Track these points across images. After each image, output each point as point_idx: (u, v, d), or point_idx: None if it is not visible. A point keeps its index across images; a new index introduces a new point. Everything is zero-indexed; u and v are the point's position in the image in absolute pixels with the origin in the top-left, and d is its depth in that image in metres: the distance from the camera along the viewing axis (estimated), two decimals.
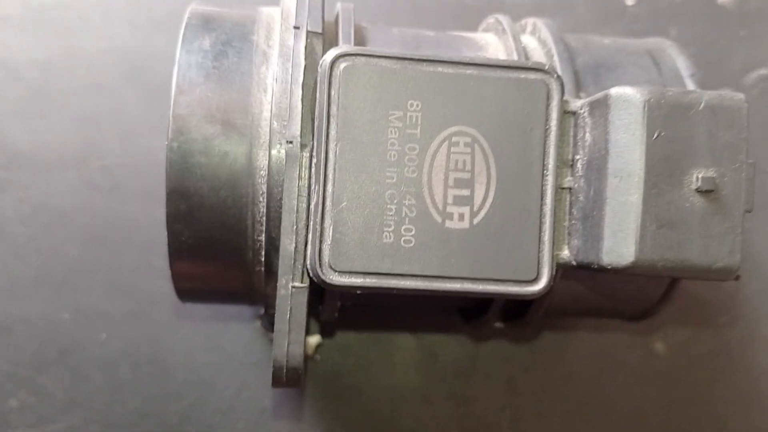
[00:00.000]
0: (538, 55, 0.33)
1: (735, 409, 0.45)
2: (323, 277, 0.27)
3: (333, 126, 0.27)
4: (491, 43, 0.34)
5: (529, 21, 0.35)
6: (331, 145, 0.27)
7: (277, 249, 0.29)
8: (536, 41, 0.33)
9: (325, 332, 0.42)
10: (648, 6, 0.48)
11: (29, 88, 0.44)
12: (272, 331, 0.41)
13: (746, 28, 0.48)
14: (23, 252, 0.43)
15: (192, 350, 0.43)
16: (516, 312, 0.35)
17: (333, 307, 0.31)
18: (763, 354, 0.46)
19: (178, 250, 0.30)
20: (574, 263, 0.28)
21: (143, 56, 0.44)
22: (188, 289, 0.32)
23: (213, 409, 0.43)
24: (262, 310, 0.41)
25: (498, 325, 0.37)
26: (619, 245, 0.25)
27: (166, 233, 0.29)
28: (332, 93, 0.27)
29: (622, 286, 0.33)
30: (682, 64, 0.33)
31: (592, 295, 0.33)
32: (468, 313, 0.37)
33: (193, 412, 0.43)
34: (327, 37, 0.30)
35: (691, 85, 0.32)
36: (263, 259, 0.30)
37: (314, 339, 0.42)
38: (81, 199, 0.43)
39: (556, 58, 0.31)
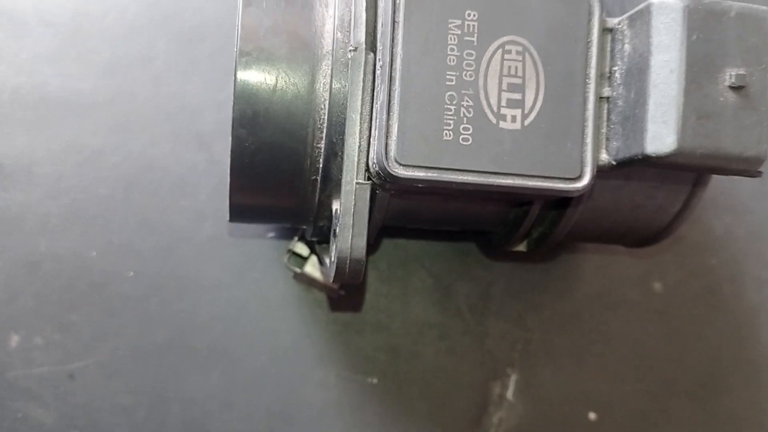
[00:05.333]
0: None
1: (726, 341, 0.48)
2: (389, 169, 0.29)
3: (398, 31, 0.29)
4: None
5: None
6: (397, 49, 0.29)
7: (336, 154, 0.31)
8: None
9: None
10: None
11: (60, 34, 0.45)
12: (299, 266, 0.43)
13: None
14: (53, 190, 0.44)
15: (218, 286, 0.44)
16: (542, 233, 0.38)
17: (379, 220, 0.33)
18: (750, 291, 0.49)
19: (241, 155, 0.31)
20: (613, 163, 0.30)
21: (172, 3, 0.46)
22: (242, 204, 0.34)
23: (238, 342, 0.44)
24: (291, 245, 0.43)
25: (521, 248, 0.39)
26: (663, 134, 0.28)
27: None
28: (397, 1, 0.29)
29: (645, 202, 0.35)
30: None
31: (615, 212, 0.36)
32: (493, 237, 0.40)
33: (219, 344, 0.44)
34: None
35: None
36: (320, 166, 0.32)
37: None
38: (111, 140, 0.45)
39: None
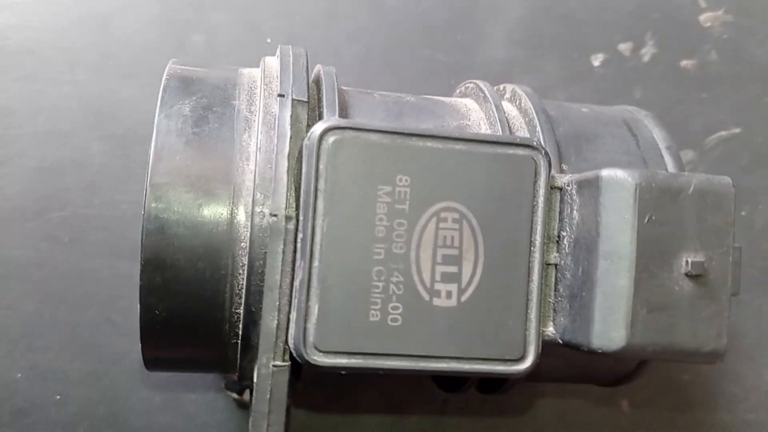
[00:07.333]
0: (518, 124, 0.33)
1: None
2: (307, 357, 0.26)
3: (321, 200, 0.26)
4: (472, 110, 0.33)
5: (508, 87, 0.35)
6: (318, 221, 0.26)
7: (255, 323, 0.28)
8: (516, 109, 0.33)
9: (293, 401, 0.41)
10: (614, 67, 0.49)
11: None
12: (238, 392, 0.40)
13: (707, 91, 0.49)
14: None
15: (152, 411, 0.41)
16: (492, 381, 0.35)
17: (308, 381, 0.30)
18: (723, 410, 0.46)
19: (151, 323, 0.28)
20: (560, 341, 0.27)
21: (108, 104, 0.43)
22: (157, 360, 0.31)
23: None
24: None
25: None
26: (610, 329, 0.25)
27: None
28: (320, 167, 0.26)
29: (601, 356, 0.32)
30: (658, 135, 0.33)
31: (569, 366, 0.33)
32: (443, 382, 0.37)
33: None
34: (309, 102, 0.30)
35: (668, 158, 0.32)
36: (240, 332, 0.29)
37: None
38: (39, 252, 0.42)
39: (539, 129, 0.31)
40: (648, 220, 0.25)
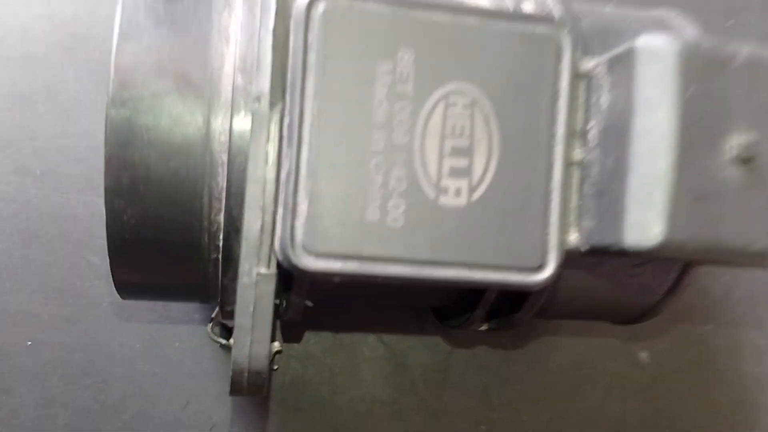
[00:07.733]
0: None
1: (722, 420, 0.42)
2: (295, 260, 0.22)
3: (310, 79, 0.23)
4: (482, 3, 0.30)
5: None
6: (308, 102, 0.23)
7: (237, 230, 0.25)
8: (532, 5, 0.30)
9: (288, 336, 0.38)
10: None
11: None
12: (225, 337, 0.37)
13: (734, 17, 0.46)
14: None
15: (132, 358, 0.38)
16: (502, 311, 0.31)
17: (300, 304, 0.27)
18: (749, 362, 0.43)
19: (119, 231, 0.25)
20: (585, 248, 0.24)
21: (85, 25, 0.40)
22: (130, 283, 0.28)
23: (156, 424, 0.38)
24: (213, 313, 0.37)
25: (482, 327, 0.33)
26: (647, 221, 0.21)
27: (106, 223, 0.24)
28: (309, 40, 0.23)
29: (626, 280, 0.29)
30: (692, 33, 0.30)
31: (592, 291, 0.30)
32: (445, 313, 0.33)
33: (133, 427, 0.38)
34: None
35: None
36: (221, 243, 0.25)
37: (273, 345, 0.38)
38: (9, 185, 0.38)
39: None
40: (692, 94, 0.21)
